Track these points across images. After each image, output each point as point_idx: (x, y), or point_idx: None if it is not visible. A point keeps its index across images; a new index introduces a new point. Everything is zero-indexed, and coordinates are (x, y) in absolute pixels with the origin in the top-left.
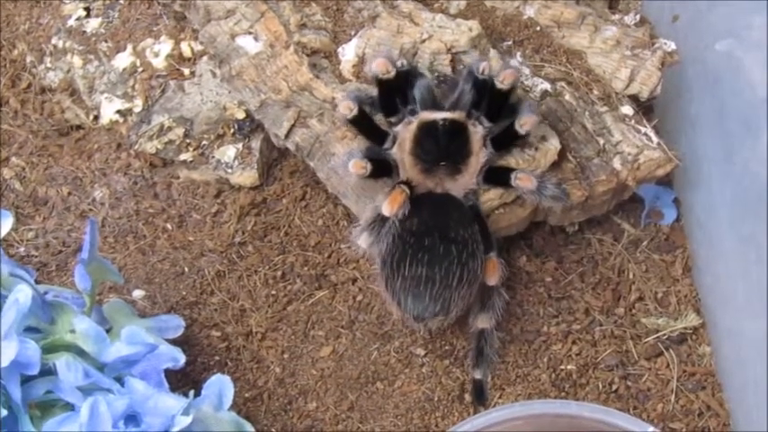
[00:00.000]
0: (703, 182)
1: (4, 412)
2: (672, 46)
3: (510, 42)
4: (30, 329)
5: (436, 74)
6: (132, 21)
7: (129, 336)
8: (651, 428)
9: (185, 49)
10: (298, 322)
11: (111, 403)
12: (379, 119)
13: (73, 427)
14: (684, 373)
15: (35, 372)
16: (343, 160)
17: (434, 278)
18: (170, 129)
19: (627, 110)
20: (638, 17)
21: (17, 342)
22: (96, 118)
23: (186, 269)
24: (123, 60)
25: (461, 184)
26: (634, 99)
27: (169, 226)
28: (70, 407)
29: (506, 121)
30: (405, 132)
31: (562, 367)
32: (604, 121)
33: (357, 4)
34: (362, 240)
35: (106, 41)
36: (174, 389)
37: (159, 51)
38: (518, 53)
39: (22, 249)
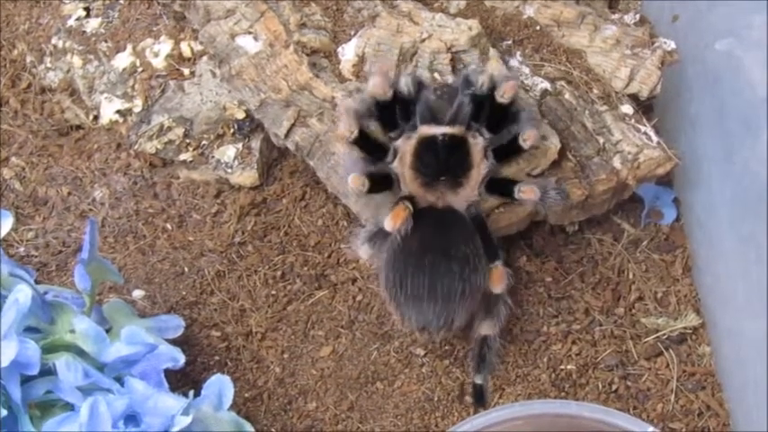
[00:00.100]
0: (703, 181)
1: (4, 412)
2: (672, 45)
3: (510, 42)
4: (30, 329)
5: (434, 87)
6: (132, 21)
7: (128, 336)
8: (651, 428)
9: (185, 48)
10: (297, 322)
11: (110, 403)
12: (380, 130)
13: (73, 427)
14: (684, 373)
15: (35, 372)
16: (344, 168)
17: (437, 295)
18: (170, 129)
19: (627, 109)
20: (637, 16)
21: (17, 342)
22: (96, 118)
23: (186, 269)
24: (123, 60)
25: (463, 197)
26: (634, 98)
27: (169, 226)
28: (70, 407)
29: (507, 132)
30: (405, 146)
31: (562, 367)
32: (604, 120)
33: (357, 4)
34: (363, 252)
35: (106, 41)
36: (173, 389)
37: (159, 51)
38: (518, 52)
39: (21, 249)
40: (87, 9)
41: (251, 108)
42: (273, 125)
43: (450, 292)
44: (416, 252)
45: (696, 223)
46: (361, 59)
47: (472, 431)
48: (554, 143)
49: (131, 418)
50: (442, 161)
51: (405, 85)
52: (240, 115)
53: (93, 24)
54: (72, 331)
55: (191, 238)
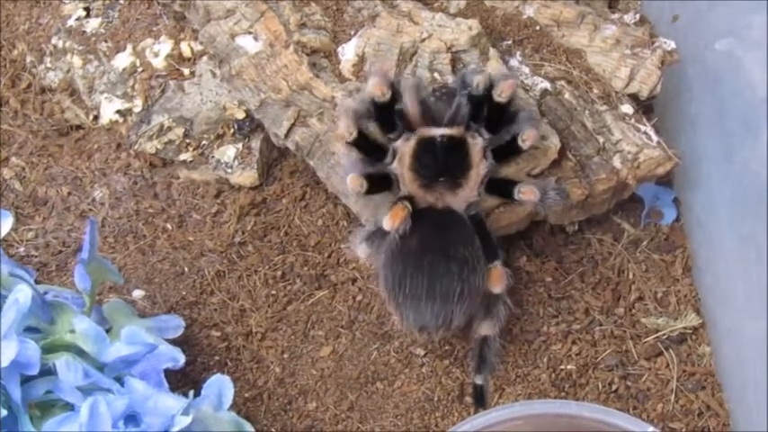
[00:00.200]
0: (703, 181)
1: (4, 412)
2: (672, 45)
3: (510, 41)
4: (29, 329)
5: (433, 88)
6: (132, 21)
7: (128, 336)
8: (651, 428)
9: (185, 48)
10: (297, 322)
11: (110, 403)
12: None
13: (73, 427)
14: (684, 373)
15: (35, 372)
16: (344, 169)
17: (435, 296)
18: (170, 129)
19: (627, 109)
20: (637, 16)
21: (17, 342)
22: (96, 118)
23: (186, 269)
24: (123, 60)
25: (462, 198)
26: (634, 98)
27: (169, 226)
28: (70, 407)
29: (506, 132)
30: (404, 147)
31: (562, 367)
32: (604, 120)
33: (357, 4)
34: (361, 251)
35: (106, 41)
36: (173, 389)
37: (159, 51)
38: (518, 52)
39: (21, 249)
40: (87, 9)
41: (251, 108)
42: (273, 125)
43: (449, 292)
44: (415, 252)
45: (696, 223)
46: (362, 59)
47: (472, 431)
48: (554, 143)
49: (131, 418)
50: (441, 162)
51: (406, 84)
52: (240, 115)
53: (93, 24)
54: (72, 331)
55: (191, 238)
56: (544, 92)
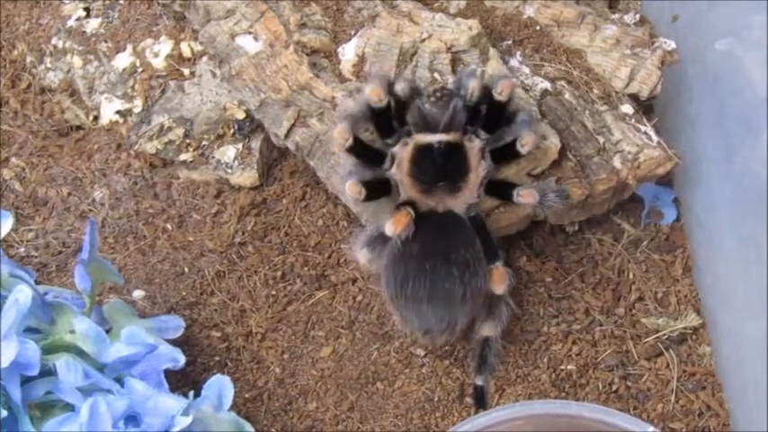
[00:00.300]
0: (703, 181)
1: (4, 413)
2: (672, 45)
3: (510, 42)
4: (30, 330)
5: (433, 89)
6: (132, 21)
7: (128, 336)
8: (651, 428)
9: (185, 49)
10: (298, 322)
11: (110, 404)
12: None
13: (73, 428)
14: (684, 373)
15: (35, 372)
16: (343, 174)
17: (437, 299)
18: (170, 129)
19: (627, 109)
20: (637, 16)
21: (17, 343)
22: (96, 118)
23: (186, 269)
24: (123, 61)
25: (463, 200)
26: (634, 98)
27: (169, 226)
28: (70, 407)
29: (505, 133)
30: (402, 153)
31: (562, 367)
32: (604, 120)
33: (357, 4)
34: (362, 256)
35: (106, 42)
36: (173, 389)
37: (159, 51)
38: (518, 52)
39: (21, 250)
40: (87, 9)
41: (251, 108)
42: (273, 125)
43: (451, 295)
44: (417, 256)
45: (696, 223)
46: (362, 59)
47: (473, 431)
48: (554, 143)
49: (131, 418)
50: (440, 168)
51: (401, 90)
52: (240, 115)
53: (93, 25)
54: (72, 332)
55: (191, 239)
56: (544, 92)
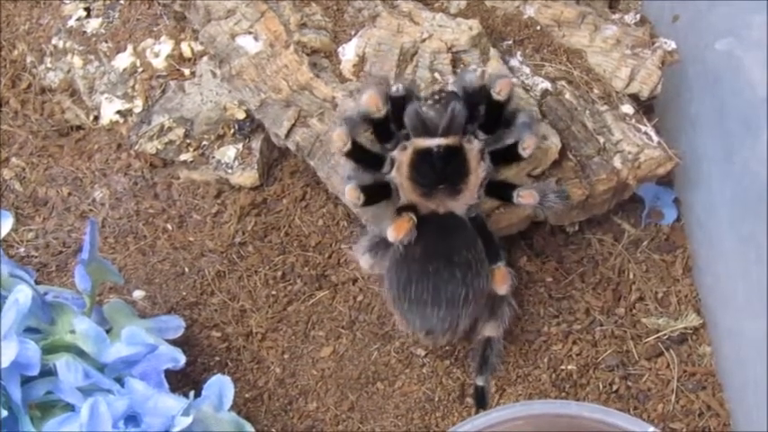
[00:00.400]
0: (703, 181)
1: (5, 413)
2: (672, 45)
3: (510, 42)
4: (30, 330)
5: (432, 91)
6: (132, 21)
7: (129, 336)
8: (651, 428)
9: (185, 49)
10: (298, 322)
11: (111, 404)
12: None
13: (73, 428)
14: (685, 374)
15: (35, 372)
16: (342, 178)
17: (440, 301)
18: (170, 129)
19: (627, 109)
20: (638, 16)
21: (17, 343)
22: (96, 118)
23: (186, 269)
24: (123, 61)
25: (463, 202)
26: (634, 98)
27: (169, 226)
28: (70, 407)
29: (505, 135)
30: (401, 157)
31: (562, 367)
32: (605, 120)
33: (357, 4)
34: (364, 261)
35: (106, 42)
36: (174, 389)
37: (159, 51)
38: (518, 52)
39: (22, 250)
40: (88, 9)
41: (251, 108)
42: (274, 125)
43: (454, 297)
44: (420, 259)
45: (696, 223)
46: (362, 59)
47: (473, 431)
48: (554, 143)
49: (132, 418)
50: (439, 171)
51: (397, 94)
52: (240, 115)
53: (93, 25)
54: (72, 332)
55: (191, 239)
56: (545, 92)
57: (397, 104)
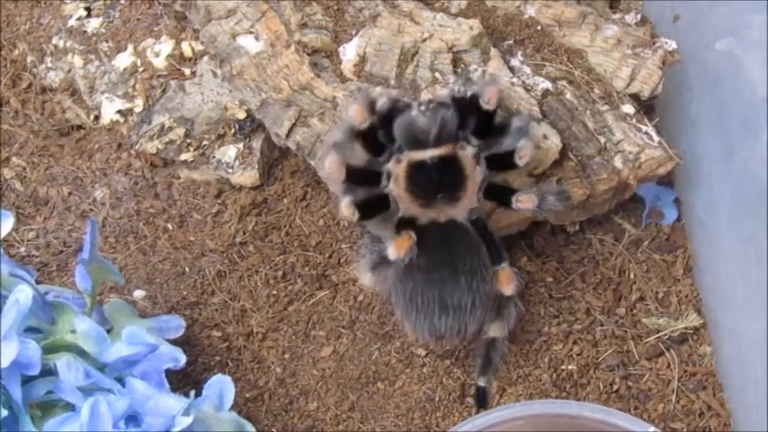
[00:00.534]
0: (704, 181)
1: (5, 412)
2: (673, 45)
3: (511, 41)
4: (30, 330)
5: (418, 104)
6: (133, 21)
7: (129, 336)
8: (652, 428)
9: (186, 48)
10: (299, 322)
11: (111, 403)
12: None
13: (73, 428)
14: (685, 373)
15: (36, 372)
16: (339, 195)
17: (448, 310)
18: (171, 129)
19: (628, 109)
20: (638, 16)
21: (18, 342)
22: (97, 118)
23: (187, 269)
24: (124, 60)
25: (463, 207)
26: (635, 98)
27: (170, 226)
28: (71, 407)
29: (500, 143)
30: (397, 170)
31: (563, 367)
32: (605, 120)
33: (358, 4)
34: (366, 279)
35: (107, 41)
36: (174, 389)
37: (160, 51)
38: (519, 52)
39: (22, 249)
40: (88, 9)
41: (252, 108)
42: (274, 125)
43: (461, 305)
44: (424, 269)
45: (697, 223)
46: (363, 59)
47: (473, 431)
48: (555, 143)
49: (132, 418)
50: (436, 181)
51: (383, 107)
52: (241, 115)
53: (93, 24)
54: (73, 331)
55: (192, 239)
56: (545, 92)
57: (386, 118)
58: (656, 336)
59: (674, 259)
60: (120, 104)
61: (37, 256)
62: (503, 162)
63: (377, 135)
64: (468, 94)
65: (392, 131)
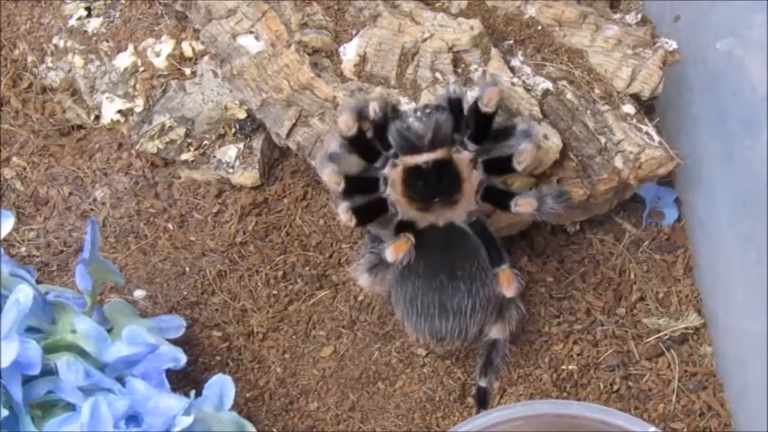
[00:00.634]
0: (704, 181)
1: (6, 412)
2: (673, 45)
3: (511, 41)
4: (31, 329)
5: (412, 109)
6: (133, 20)
7: (129, 336)
8: (652, 429)
9: (186, 48)
10: (299, 322)
11: (111, 403)
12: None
13: (74, 428)
14: (686, 374)
15: (36, 372)
16: (337, 200)
17: (448, 314)
18: (171, 128)
19: (628, 109)
20: (639, 16)
21: (18, 342)
22: (97, 118)
23: (187, 269)
24: (124, 60)
25: (462, 209)
26: (635, 98)
27: (170, 226)
28: (71, 407)
29: (500, 144)
30: (393, 175)
31: (563, 367)
32: (606, 120)
33: (358, 4)
34: (363, 281)
35: (107, 41)
36: (175, 389)
37: (160, 51)
38: (519, 52)
39: (23, 249)
40: (88, 9)
41: (252, 108)
42: (275, 125)
43: (461, 309)
44: (423, 274)
45: (697, 223)
46: (363, 59)
47: (474, 431)
48: (555, 143)
49: (132, 418)
50: (433, 185)
51: (374, 112)
52: (241, 115)
53: (94, 24)
54: (73, 331)
55: (192, 238)
56: (546, 92)
57: (379, 124)
58: (657, 336)
59: (674, 259)
60: (121, 104)
61: (37, 256)
62: (502, 166)
63: (370, 141)
64: (465, 95)
65: (387, 137)
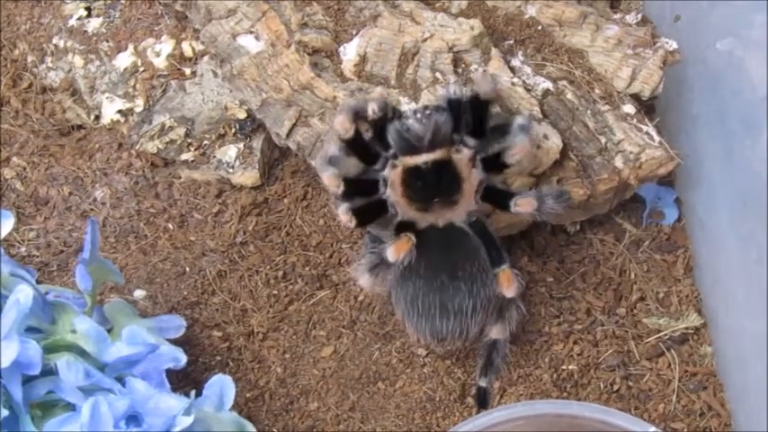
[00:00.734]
0: (704, 181)
1: (6, 412)
2: (673, 45)
3: (511, 41)
4: (31, 329)
5: (411, 110)
6: (133, 20)
7: (130, 336)
8: (652, 429)
9: (186, 48)
10: (299, 322)
11: (112, 403)
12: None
13: (74, 428)
14: (686, 374)
15: (36, 372)
16: (337, 202)
17: (449, 314)
18: (171, 128)
19: (628, 109)
20: (639, 16)
21: (18, 342)
22: (97, 118)
23: (187, 269)
24: (124, 60)
25: (461, 210)
26: (636, 98)
27: (170, 226)
28: (71, 407)
29: (497, 142)
30: (393, 176)
31: (564, 367)
32: (606, 120)
33: (358, 4)
34: (364, 281)
35: (107, 41)
36: (175, 389)
37: (160, 51)
38: (519, 52)
39: (23, 249)
40: (88, 9)
41: (252, 108)
42: (275, 125)
43: (462, 309)
44: (423, 275)
45: (697, 223)
46: (363, 59)
47: (474, 431)
48: (556, 143)
49: (133, 418)
50: (432, 186)
51: (372, 114)
52: (241, 115)
53: (94, 24)
54: (73, 331)
55: (192, 238)
56: (546, 92)
57: (377, 125)
58: (657, 336)
59: (674, 259)
60: (121, 104)
61: (37, 256)
62: (498, 162)
63: (369, 144)
64: (465, 94)
65: (386, 138)
